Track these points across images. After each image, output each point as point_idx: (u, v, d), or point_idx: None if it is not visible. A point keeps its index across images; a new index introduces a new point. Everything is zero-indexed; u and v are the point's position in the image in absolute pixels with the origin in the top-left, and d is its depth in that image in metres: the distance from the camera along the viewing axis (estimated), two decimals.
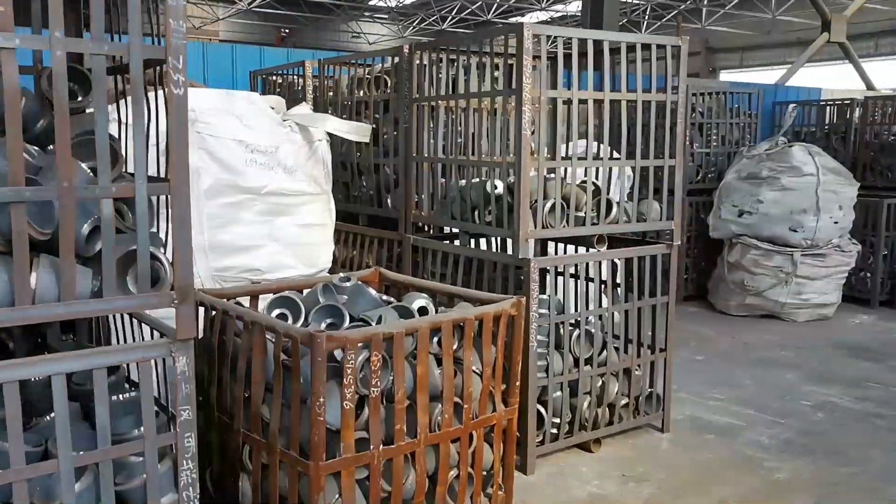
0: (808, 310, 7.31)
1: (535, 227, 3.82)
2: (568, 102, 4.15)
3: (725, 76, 29.58)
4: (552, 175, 3.89)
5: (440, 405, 2.99)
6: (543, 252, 5.02)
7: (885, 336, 6.85)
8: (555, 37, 4.13)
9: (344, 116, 5.12)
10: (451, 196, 4.29)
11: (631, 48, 4.05)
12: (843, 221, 7.19)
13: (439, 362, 2.99)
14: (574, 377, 4.04)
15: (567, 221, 3.94)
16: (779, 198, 7.15)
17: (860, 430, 4.62)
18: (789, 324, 7.25)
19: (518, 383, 3.30)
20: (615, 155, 4.34)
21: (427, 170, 4.52)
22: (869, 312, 7.75)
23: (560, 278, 3.94)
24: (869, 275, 8.00)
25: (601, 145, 4.23)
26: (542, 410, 3.94)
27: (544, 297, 3.93)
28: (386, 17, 28.98)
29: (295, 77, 5.68)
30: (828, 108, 9.89)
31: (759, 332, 6.91)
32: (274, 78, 6.04)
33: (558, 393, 4.01)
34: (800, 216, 7.08)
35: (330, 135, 4.14)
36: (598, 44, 3.95)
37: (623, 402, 4.33)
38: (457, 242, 4.38)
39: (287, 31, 30.37)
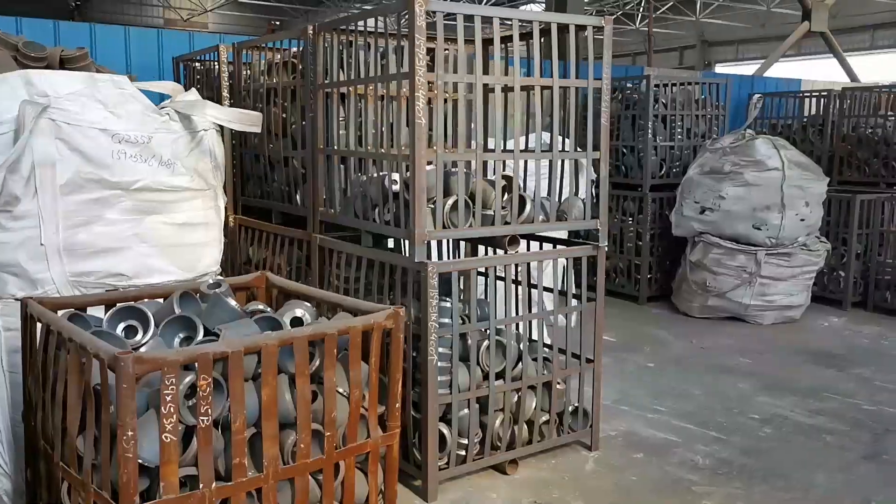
0: (773, 312, 6.92)
1: (435, 228, 3.43)
2: (507, 89, 3.76)
3: (721, 69, 29.13)
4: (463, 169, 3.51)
5: (295, 434, 2.61)
6: (474, 252, 4.63)
7: (853, 340, 6.47)
8: (466, 15, 3.73)
9: (259, 106, 4.74)
10: (353, 192, 3.90)
11: (545, 29, 3.65)
12: (811, 219, 6.80)
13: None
14: (484, 393, 3.65)
15: (474, 221, 3.55)
16: (742, 194, 6.76)
17: (807, 449, 4.23)
18: (753, 327, 6.87)
19: (398, 405, 2.92)
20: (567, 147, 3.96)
21: (337, 163, 4.13)
22: (840, 314, 7.37)
23: (483, 282, 3.56)
24: (842, 274, 7.60)
25: (563, 138, 3.87)
26: (446, 430, 3.56)
27: (446, 304, 3.54)
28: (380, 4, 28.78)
29: (213, 63, 5.29)
30: (805, 100, 9.50)
31: (720, 336, 6.53)
32: (196, 65, 5.64)
33: (465, 410, 3.62)
34: (763, 213, 6.68)
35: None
36: (525, 25, 3.57)
37: (543, 418, 3.95)
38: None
39: (278, 22, 30.03)
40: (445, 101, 4.37)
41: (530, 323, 4.02)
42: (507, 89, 3.86)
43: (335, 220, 4.08)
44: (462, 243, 4.55)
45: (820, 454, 4.16)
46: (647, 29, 29.03)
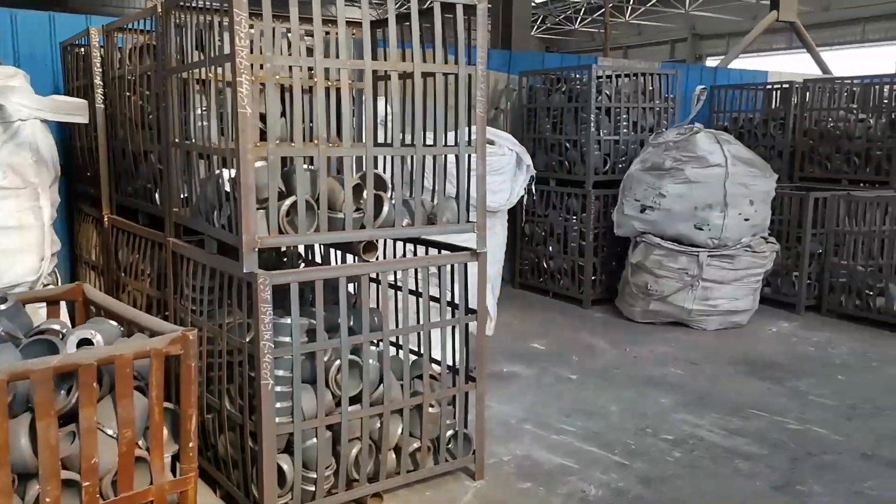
0: (717, 317, 6.50)
1: (269, 233, 3.00)
2: (383, 78, 3.34)
3: (712, 63, 28.66)
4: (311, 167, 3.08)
5: (38, 485, 2.19)
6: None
7: (799, 348, 6.05)
8: None
9: (128, 95, 4.31)
10: (200, 192, 3.47)
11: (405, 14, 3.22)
12: (756, 218, 6.37)
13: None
14: (335, 420, 3.23)
15: (320, 224, 3.11)
16: (683, 191, 6.33)
17: (714, 476, 3.82)
18: (697, 333, 6.45)
19: (192, 443, 2.50)
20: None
21: (195, 159, 3.69)
22: (792, 319, 6.95)
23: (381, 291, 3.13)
24: (797, 277, 7.19)
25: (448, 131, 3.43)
26: (285, 464, 3.13)
27: (285, 321, 3.11)
28: None
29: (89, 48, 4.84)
30: (766, 92, 9.07)
31: (658, 344, 6.11)
32: (80, 50, 5.19)
33: (313, 440, 3.20)
34: (705, 212, 6.26)
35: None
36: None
37: (414, 445, 3.53)
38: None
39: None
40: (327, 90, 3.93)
41: (398, 338, 3.60)
42: (380, 77, 3.46)
43: (187, 222, 3.65)
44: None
45: (725, 483, 3.74)
46: (637, 22, 28.73)
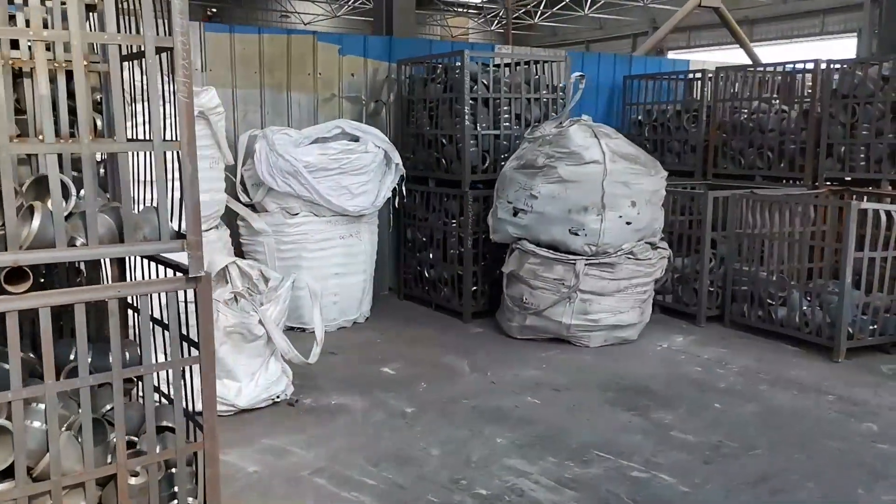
0: (600, 333, 5.78)
1: None
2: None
3: (673, 56, 28.17)
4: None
5: None
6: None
7: (683, 369, 5.35)
8: None
9: None
10: None
11: None
12: (640, 221, 5.66)
13: None
14: None
15: None
16: (556, 192, 5.60)
17: None
18: (577, 351, 5.73)
19: None
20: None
21: None
22: (689, 332, 6.25)
23: None
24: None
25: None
26: None
27: None
28: None
29: None
30: (678, 83, 8.39)
31: (529, 366, 5.38)
32: None
33: None
34: (580, 215, 5.54)
35: None
36: None
37: None
38: None
39: (214, 9, 28.64)
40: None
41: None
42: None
43: None
44: None
45: None
46: (597, 16, 28.08)
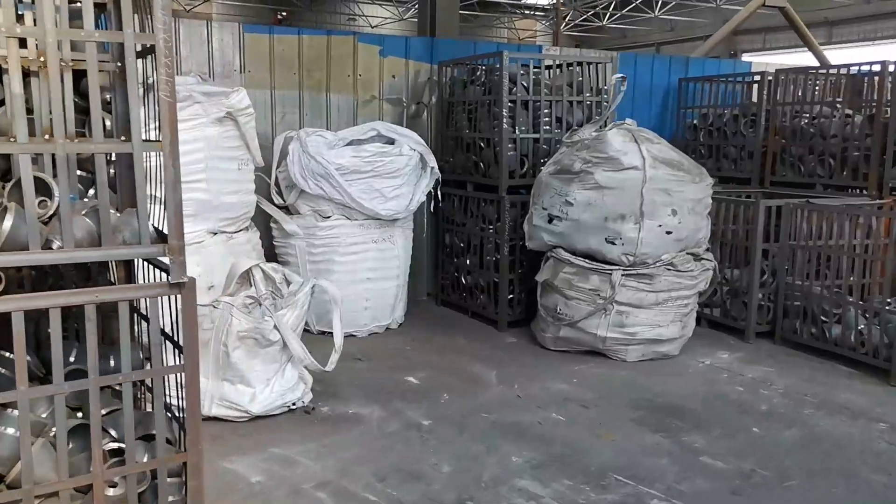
0: (638, 347, 5.52)
1: None
2: None
3: (748, 59, 27.34)
4: None
5: None
6: None
7: (724, 388, 5.04)
8: None
9: None
10: None
11: None
12: (681, 231, 5.37)
13: None
14: None
15: None
16: (592, 198, 5.36)
17: None
18: (613, 365, 5.48)
19: None
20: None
21: None
22: (736, 348, 5.91)
23: None
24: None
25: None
26: None
27: None
28: None
29: None
30: (737, 85, 8.01)
31: (557, 379, 5.16)
32: None
33: None
34: (617, 224, 5.29)
35: None
36: None
37: None
38: None
39: (284, 13, 29.16)
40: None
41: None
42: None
43: None
44: None
45: None
46: (668, 17, 27.40)
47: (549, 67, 6.55)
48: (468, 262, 6.71)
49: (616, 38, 30.27)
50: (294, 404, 4.44)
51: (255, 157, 5.37)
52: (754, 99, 7.73)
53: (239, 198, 5.26)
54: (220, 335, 4.14)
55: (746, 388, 5.03)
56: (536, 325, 5.98)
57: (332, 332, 5.98)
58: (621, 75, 5.86)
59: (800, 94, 7.19)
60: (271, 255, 6.27)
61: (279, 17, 28.81)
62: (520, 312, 6.42)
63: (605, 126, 5.63)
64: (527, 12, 29.30)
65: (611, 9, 26.80)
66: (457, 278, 6.90)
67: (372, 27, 28.52)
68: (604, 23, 28.37)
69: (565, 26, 29.65)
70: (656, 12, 26.78)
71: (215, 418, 4.25)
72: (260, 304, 4.60)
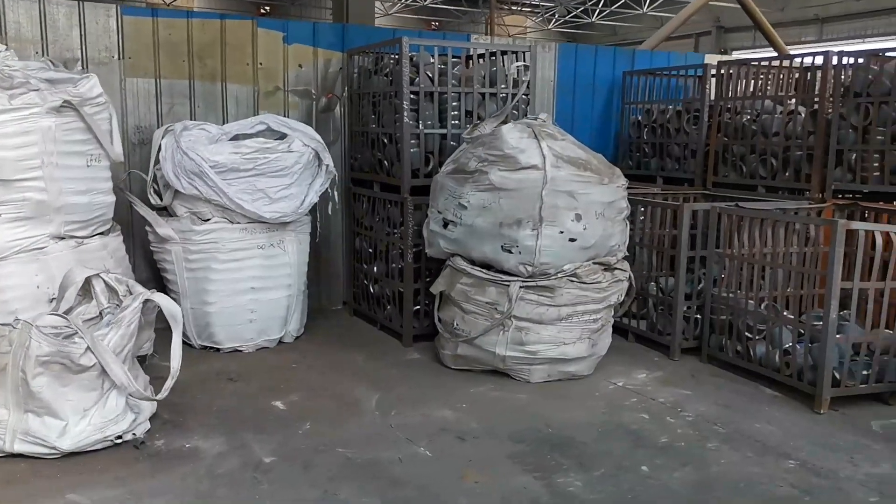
0: (542, 367, 4.95)
1: None
2: None
3: (738, 56, 26.81)
4: None
5: None
6: None
7: (628, 416, 4.47)
8: None
9: None
10: None
11: None
12: (587, 238, 4.80)
13: None
14: None
15: None
16: (486, 201, 4.80)
17: None
18: (514, 387, 4.91)
19: None
20: None
21: None
22: (657, 367, 5.36)
23: None
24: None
25: None
26: None
27: None
28: None
29: None
30: (683, 79, 7.44)
31: (444, 405, 4.60)
32: None
33: None
34: (512, 230, 4.72)
35: None
36: None
37: None
38: None
39: (267, 7, 28.58)
40: None
41: None
42: None
43: None
44: None
45: None
46: (658, 14, 26.77)
47: (469, 58, 5.97)
48: (375, 269, 6.14)
49: (606, 34, 29.74)
50: (121, 437, 3.87)
51: (112, 152, 4.79)
52: (696, 94, 7.17)
53: (90, 198, 4.69)
54: (18, 360, 3.57)
55: (652, 416, 4.46)
56: (438, 342, 5.41)
57: (216, 348, 5.53)
58: (523, 63, 5.29)
59: (742, 88, 6.62)
60: (153, 262, 5.72)
61: (262, 11, 28.21)
62: (427, 326, 5.84)
63: (507, 121, 5.06)
64: (514, 8, 28.72)
65: (600, 5, 26.22)
66: (366, 287, 6.34)
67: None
68: (593, 19, 27.83)
69: (555, 23, 29.12)
70: (644, 9, 26.21)
71: (20, 455, 3.68)
72: (102, 318, 4.06)
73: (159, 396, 3.93)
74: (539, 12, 28.75)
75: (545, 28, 29.84)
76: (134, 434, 3.93)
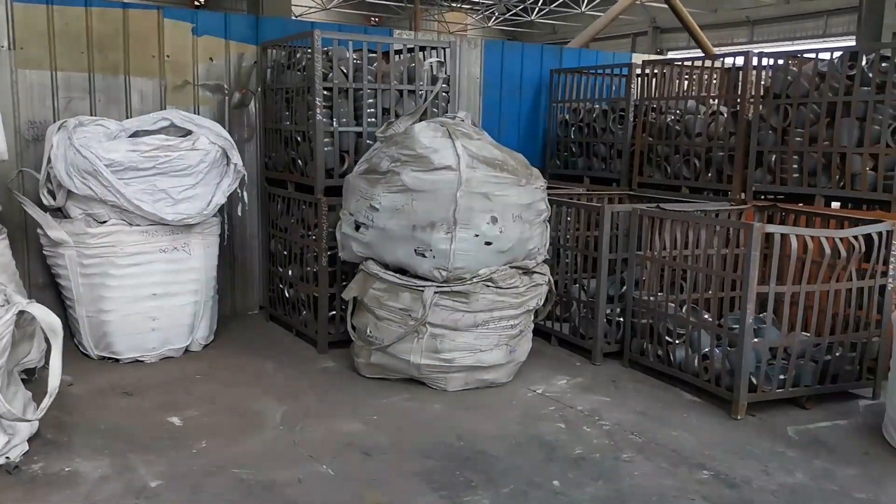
0: (458, 375, 4.77)
1: None
2: None
3: (672, 56, 27.12)
4: None
5: None
6: None
7: (542, 427, 4.30)
8: None
9: None
10: None
11: None
12: (504, 241, 4.63)
13: None
14: None
15: None
16: (399, 203, 4.59)
17: None
18: (429, 396, 4.72)
19: None
20: None
21: None
22: (578, 373, 5.23)
23: None
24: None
25: None
26: None
27: None
28: None
29: None
30: (610, 78, 7.35)
31: (353, 417, 4.38)
32: None
33: None
34: (426, 233, 4.52)
35: None
36: None
37: None
38: None
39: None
40: None
41: None
42: None
43: None
44: None
45: None
46: (595, 14, 26.87)
47: (397, 52, 5.75)
48: (291, 272, 5.88)
49: (546, 33, 29.83)
50: None
51: None
52: (622, 93, 7.08)
53: None
54: None
55: (569, 426, 4.32)
56: (352, 349, 5.18)
57: (115, 359, 5.19)
58: (438, 59, 5.10)
59: (665, 88, 6.55)
60: (46, 267, 5.35)
61: (196, 4, 27.36)
62: (344, 332, 5.56)
63: (422, 119, 4.86)
64: (454, 5, 28.57)
65: (539, 3, 26.24)
66: (282, 290, 6.07)
67: (296, 16, 27.30)
68: (532, 17, 27.86)
69: (495, 20, 29.07)
70: (583, 8, 26.34)
71: None
72: None
73: (33, 417, 3.61)
74: (479, 10, 28.67)
75: (486, 26, 29.81)
76: (7, 458, 3.61)
